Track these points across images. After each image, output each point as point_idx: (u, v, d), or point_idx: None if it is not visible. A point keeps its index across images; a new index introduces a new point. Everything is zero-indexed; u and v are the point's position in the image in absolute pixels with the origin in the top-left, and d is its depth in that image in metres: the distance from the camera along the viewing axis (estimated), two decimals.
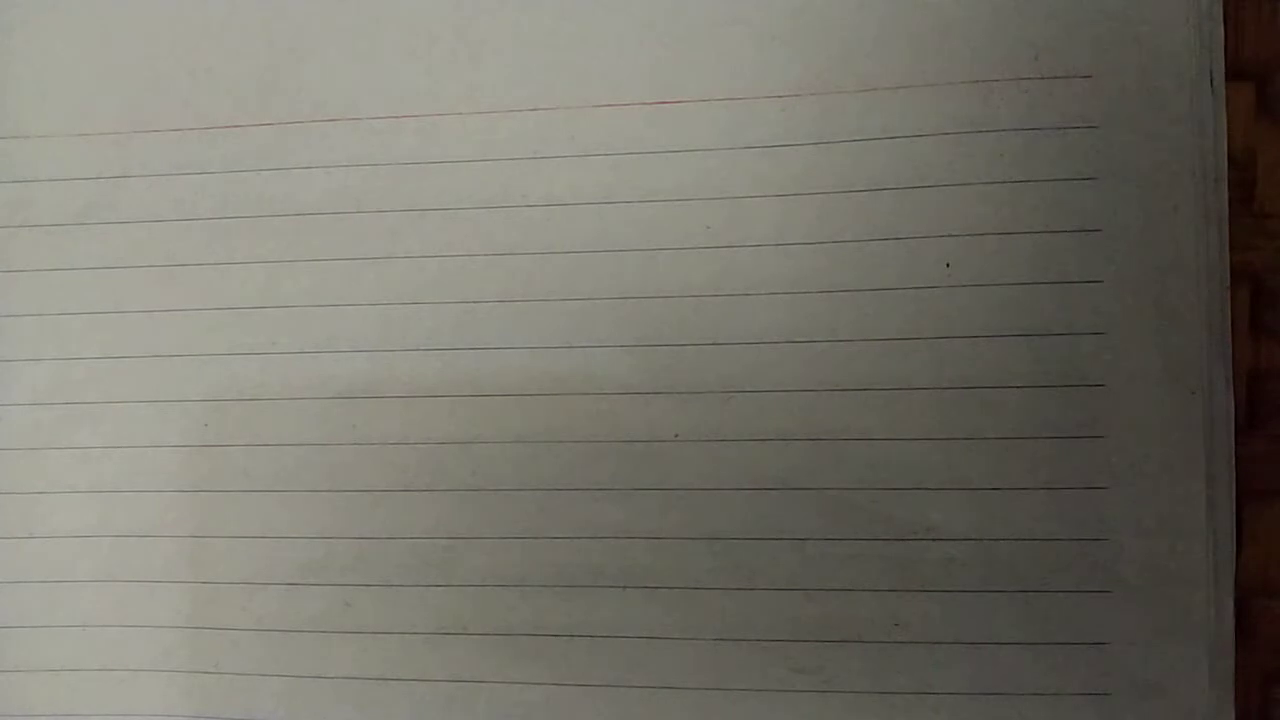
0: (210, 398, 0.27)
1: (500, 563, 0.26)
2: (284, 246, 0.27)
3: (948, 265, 0.25)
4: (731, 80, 0.26)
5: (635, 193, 0.26)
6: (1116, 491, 0.25)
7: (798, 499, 0.25)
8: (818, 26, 0.26)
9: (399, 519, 0.27)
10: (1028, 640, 0.25)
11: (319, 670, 0.27)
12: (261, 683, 0.27)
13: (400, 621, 0.27)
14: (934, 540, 0.25)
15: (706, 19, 0.26)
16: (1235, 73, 0.25)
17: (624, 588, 0.26)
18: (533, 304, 0.27)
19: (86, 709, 0.28)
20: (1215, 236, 0.25)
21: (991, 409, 0.25)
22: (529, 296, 0.27)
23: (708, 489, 0.26)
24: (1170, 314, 0.24)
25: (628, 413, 0.26)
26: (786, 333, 0.26)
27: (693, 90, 0.26)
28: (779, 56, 0.26)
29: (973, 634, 0.25)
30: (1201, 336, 0.24)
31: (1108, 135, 0.25)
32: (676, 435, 0.26)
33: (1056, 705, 0.25)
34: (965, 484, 0.25)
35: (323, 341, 0.27)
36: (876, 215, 0.26)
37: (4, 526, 0.28)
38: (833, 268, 0.26)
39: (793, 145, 0.26)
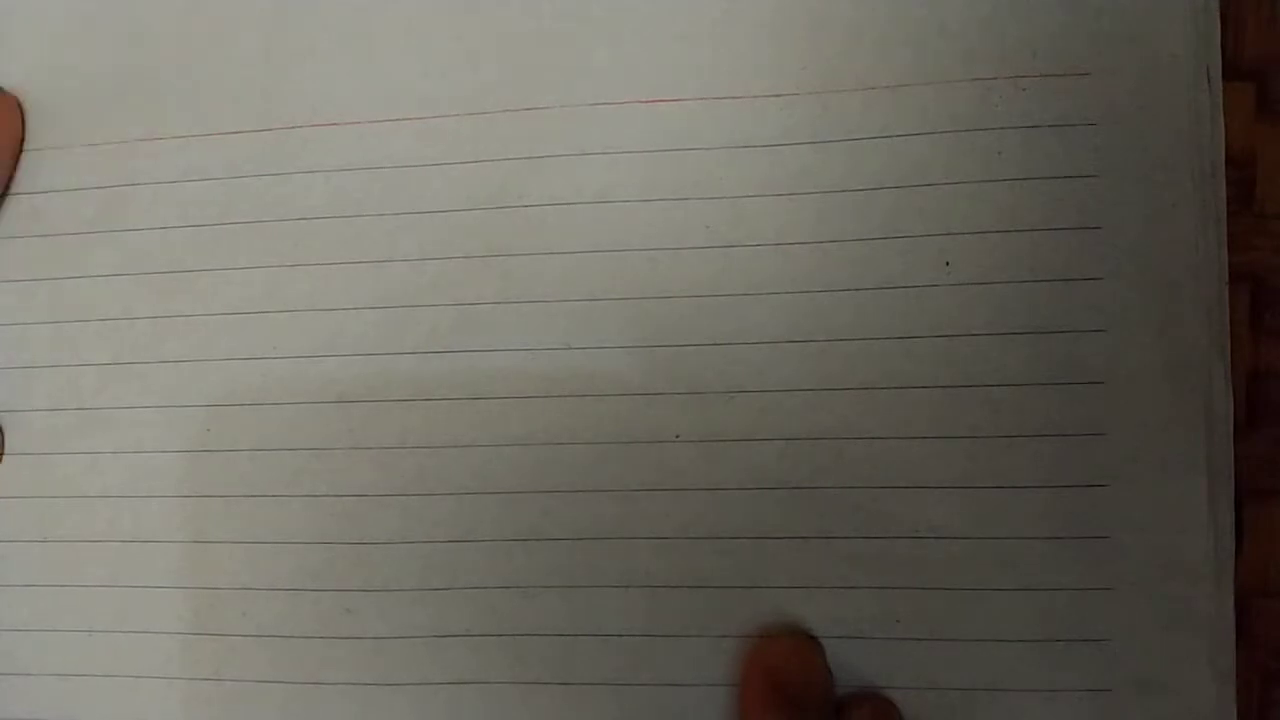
0: (212, 403, 0.27)
1: (502, 565, 0.26)
2: (284, 251, 0.27)
3: (947, 264, 0.25)
4: (729, 79, 0.26)
5: (633, 192, 0.26)
6: (1117, 489, 0.25)
7: (798, 499, 0.25)
8: (816, 25, 0.26)
9: (399, 523, 0.27)
10: (1029, 637, 0.25)
11: (320, 677, 0.27)
12: (261, 689, 0.27)
13: (402, 626, 0.27)
14: (935, 539, 0.25)
15: (703, 18, 0.26)
16: (1235, 73, 0.25)
17: (626, 588, 0.26)
18: (532, 305, 0.26)
19: (90, 714, 0.28)
20: (1215, 234, 0.24)
21: (991, 407, 0.25)
22: (528, 298, 0.26)
23: (709, 489, 0.26)
24: (1170, 312, 0.24)
25: (628, 414, 0.26)
26: (786, 333, 0.26)
27: (690, 89, 0.26)
28: (777, 55, 0.26)
29: (974, 631, 0.25)
30: (1201, 335, 0.24)
31: (1106, 133, 0.25)
32: (677, 436, 0.26)
33: (1058, 702, 0.25)
34: (966, 482, 0.25)
35: (323, 345, 0.27)
36: (876, 214, 0.25)
37: (18, 531, 0.28)
38: (832, 267, 0.25)
39: (791, 144, 0.26)
